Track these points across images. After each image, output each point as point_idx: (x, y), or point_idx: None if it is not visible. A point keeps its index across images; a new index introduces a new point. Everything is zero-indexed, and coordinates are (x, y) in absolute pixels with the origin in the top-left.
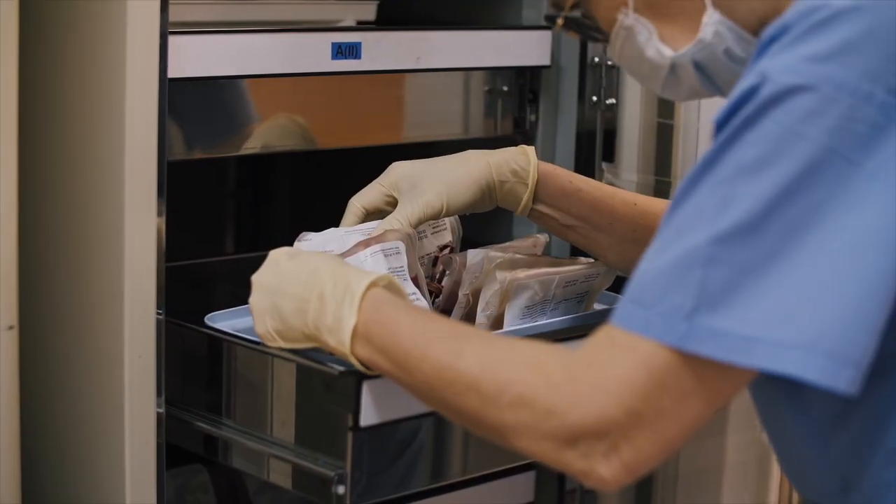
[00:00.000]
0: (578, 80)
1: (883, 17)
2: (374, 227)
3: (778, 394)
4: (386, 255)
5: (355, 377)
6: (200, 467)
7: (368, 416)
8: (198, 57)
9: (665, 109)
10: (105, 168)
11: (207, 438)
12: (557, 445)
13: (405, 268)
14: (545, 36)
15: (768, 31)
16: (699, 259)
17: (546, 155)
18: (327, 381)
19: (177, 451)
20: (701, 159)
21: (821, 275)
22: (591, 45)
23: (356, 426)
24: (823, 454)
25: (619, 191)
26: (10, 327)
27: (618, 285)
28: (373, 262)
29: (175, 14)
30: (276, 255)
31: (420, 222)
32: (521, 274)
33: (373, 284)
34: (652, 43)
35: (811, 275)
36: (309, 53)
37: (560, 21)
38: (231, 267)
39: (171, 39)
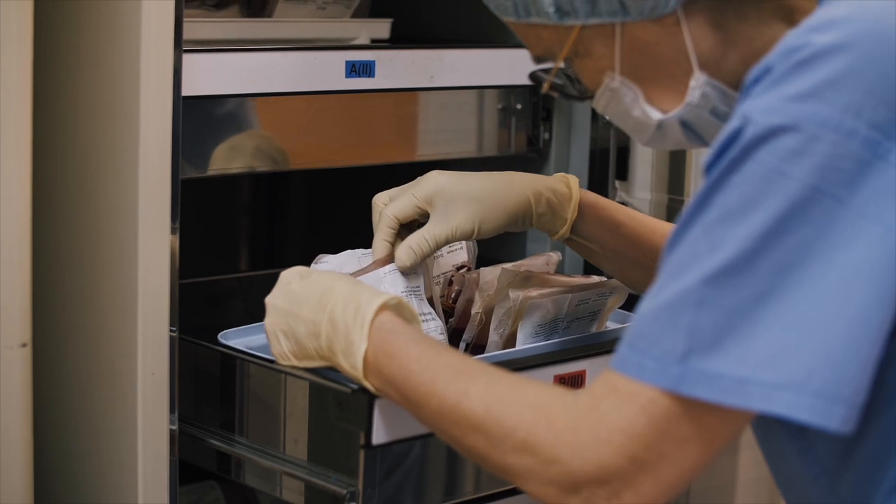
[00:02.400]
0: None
1: (864, 53)
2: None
3: (782, 433)
4: (404, 274)
5: (368, 395)
6: (213, 484)
7: (381, 434)
8: (212, 75)
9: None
10: (119, 185)
11: (220, 456)
12: (561, 491)
13: (422, 287)
14: None
15: (751, 73)
16: (690, 302)
17: (560, 172)
18: (340, 399)
19: (190, 468)
20: (691, 202)
21: (810, 314)
22: None
23: (368, 444)
24: (830, 492)
25: (661, 225)
26: (24, 345)
27: (631, 304)
28: (390, 281)
29: (189, 32)
30: (288, 277)
31: (447, 243)
32: (534, 292)
33: (382, 308)
34: (638, 104)
35: (800, 314)
36: (323, 72)
37: (546, 85)
38: (245, 284)
39: (186, 57)
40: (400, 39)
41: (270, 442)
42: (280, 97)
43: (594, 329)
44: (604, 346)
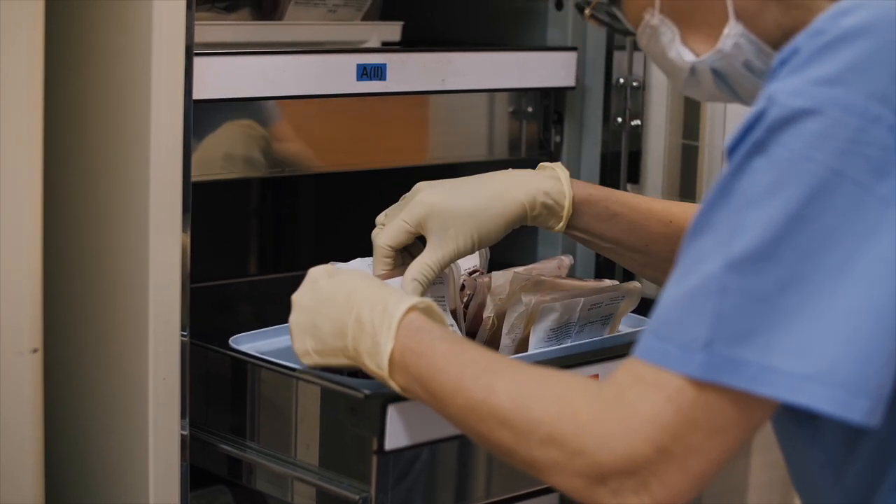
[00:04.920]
0: (603, 101)
1: (890, 37)
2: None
3: (791, 421)
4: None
5: (380, 400)
6: (224, 489)
7: (393, 439)
8: (223, 78)
9: (690, 131)
10: (130, 189)
11: (231, 461)
12: (588, 483)
13: (446, 298)
14: (570, 57)
15: (780, 55)
16: (713, 288)
17: (571, 176)
18: (352, 405)
19: (201, 473)
20: (714, 186)
21: (834, 303)
22: (615, 67)
23: (381, 449)
24: (836, 481)
25: (656, 208)
26: (35, 350)
27: (643, 307)
28: (413, 290)
29: (200, 35)
30: (315, 274)
31: (451, 264)
32: (547, 297)
33: (411, 309)
34: (674, 45)
35: (825, 303)
36: (334, 75)
37: (588, 12)
38: (255, 288)
39: (197, 60)
40: (411, 42)
41: (282, 447)
42: (291, 100)
43: (607, 333)
44: (616, 350)
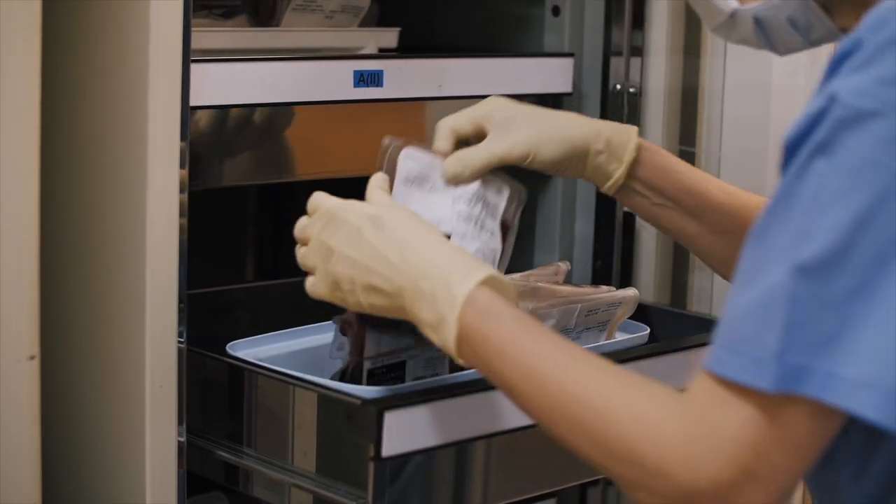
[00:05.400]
0: (600, 107)
1: None
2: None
3: None
4: (486, 188)
5: (377, 407)
6: (221, 495)
7: (390, 446)
8: (220, 85)
9: (687, 137)
10: (127, 195)
11: (228, 467)
12: (668, 503)
13: (499, 208)
14: (567, 63)
15: (841, 45)
16: (782, 297)
17: (567, 183)
18: (349, 411)
19: (198, 480)
20: (777, 189)
21: None
22: (612, 73)
23: (378, 456)
24: (857, 475)
25: (715, 179)
26: (32, 357)
27: (640, 313)
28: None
29: (197, 42)
30: (356, 222)
31: (500, 164)
32: (543, 303)
33: (476, 286)
34: None
35: (891, 312)
36: (331, 81)
37: None
38: (252, 295)
39: (194, 67)
40: (408, 48)
41: (279, 454)
42: (288, 107)
43: (603, 339)
44: (613, 356)
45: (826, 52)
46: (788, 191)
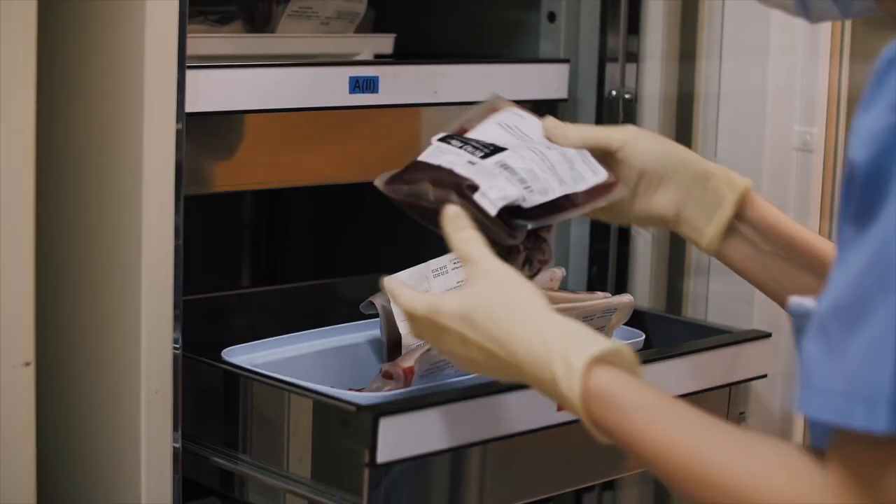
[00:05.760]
0: (596, 113)
1: None
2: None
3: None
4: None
5: (372, 413)
6: (216, 501)
7: (385, 452)
8: (215, 91)
9: (682, 143)
10: (122, 201)
11: (224, 473)
12: None
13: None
14: (562, 69)
15: (891, 52)
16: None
17: None
18: (344, 417)
19: (193, 486)
20: (854, 212)
21: None
22: (607, 79)
23: (373, 462)
24: None
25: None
26: (27, 364)
27: (635, 320)
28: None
29: (193, 48)
30: (454, 325)
31: (596, 143)
32: None
33: (595, 363)
34: None
35: None
36: (326, 88)
37: None
38: (248, 301)
39: (189, 73)
40: (403, 55)
41: (274, 460)
42: (283, 113)
43: None
44: None
45: (823, 53)
46: (876, 214)
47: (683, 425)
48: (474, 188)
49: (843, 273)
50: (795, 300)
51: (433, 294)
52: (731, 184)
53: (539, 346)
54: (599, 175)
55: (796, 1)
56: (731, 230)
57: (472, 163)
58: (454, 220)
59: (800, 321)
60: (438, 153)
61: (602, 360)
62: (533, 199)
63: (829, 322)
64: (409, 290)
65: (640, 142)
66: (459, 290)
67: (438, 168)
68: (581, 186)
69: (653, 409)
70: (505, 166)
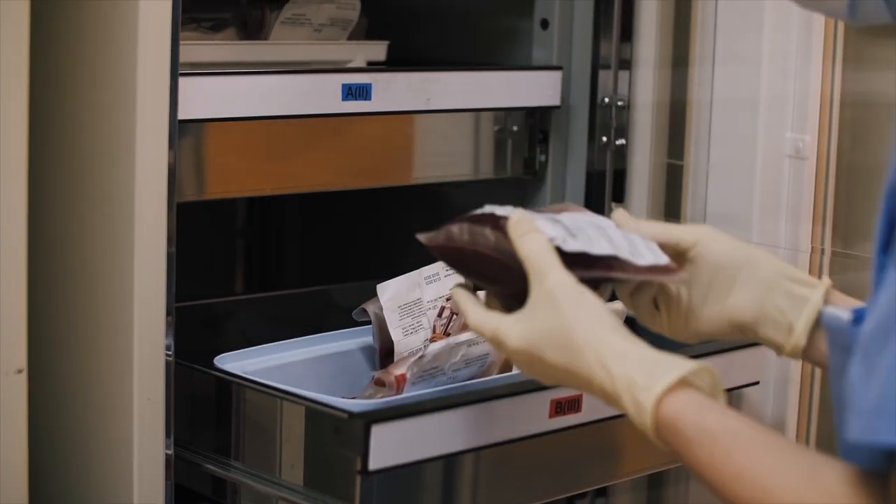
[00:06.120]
0: (588, 120)
1: None
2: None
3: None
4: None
5: (364, 420)
6: None
7: (377, 459)
8: (208, 98)
9: (675, 150)
10: (115, 208)
11: (216, 480)
12: None
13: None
14: (555, 76)
15: None
16: None
17: (556, 195)
18: (336, 424)
19: (185, 493)
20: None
21: None
22: (600, 86)
23: (365, 470)
24: None
25: None
26: (19, 371)
27: (627, 326)
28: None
29: (186, 55)
30: (520, 357)
31: (668, 238)
32: None
33: (663, 395)
34: None
35: None
36: (319, 95)
37: None
38: (241, 307)
39: (182, 80)
40: (396, 62)
41: (266, 467)
42: (276, 120)
43: None
44: None
45: (816, 60)
46: None
47: (752, 458)
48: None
49: (885, 296)
50: (831, 311)
51: (498, 319)
52: (810, 281)
53: (605, 379)
54: (660, 258)
55: (850, 5)
56: (815, 327)
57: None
58: (518, 225)
59: (835, 335)
60: None
61: (671, 390)
62: (575, 245)
63: (869, 345)
64: (476, 308)
65: (715, 241)
66: (522, 317)
67: (480, 214)
68: (637, 260)
69: (719, 438)
70: (553, 220)
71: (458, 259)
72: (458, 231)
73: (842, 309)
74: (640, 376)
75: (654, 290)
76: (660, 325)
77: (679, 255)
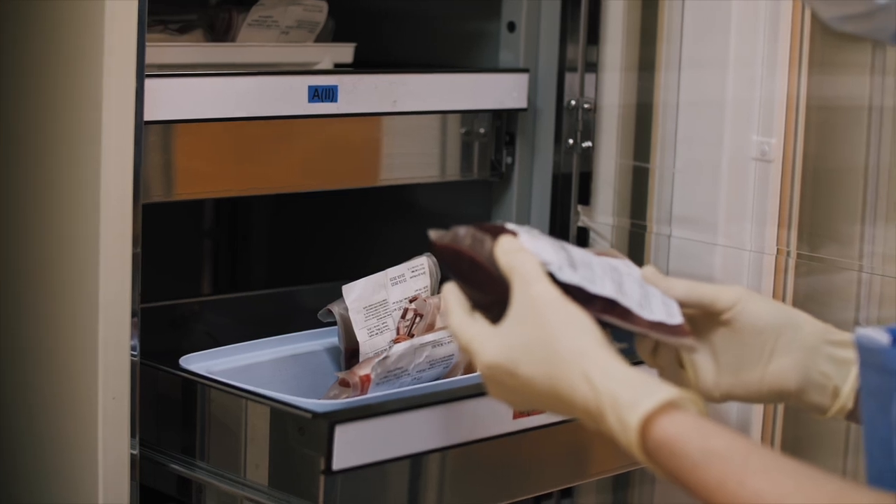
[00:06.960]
0: (555, 122)
1: None
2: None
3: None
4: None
5: (328, 420)
6: None
7: (341, 459)
8: (174, 99)
9: (641, 153)
10: (81, 209)
11: (181, 480)
12: None
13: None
14: (522, 79)
15: None
16: None
17: (522, 197)
18: (300, 424)
19: (150, 493)
20: None
21: None
22: (567, 88)
23: (329, 469)
24: None
25: None
26: None
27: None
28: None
29: (152, 56)
30: (491, 375)
31: (699, 300)
32: None
33: (648, 417)
34: None
35: None
36: (286, 96)
37: None
38: (207, 308)
39: (148, 82)
40: (363, 64)
41: (231, 467)
42: (243, 122)
43: None
44: None
45: (782, 64)
46: None
47: (771, 481)
48: (514, 234)
49: None
50: (865, 333)
51: (477, 327)
52: (850, 341)
53: (588, 393)
54: (673, 318)
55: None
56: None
57: (530, 234)
58: (508, 241)
59: (867, 354)
60: None
61: (663, 411)
62: (570, 277)
63: None
64: (460, 311)
65: (753, 303)
66: (501, 330)
67: (491, 224)
68: (643, 312)
69: (729, 461)
70: (560, 247)
71: (457, 263)
72: (463, 234)
73: (875, 329)
74: (625, 393)
75: (675, 349)
76: (685, 383)
77: (710, 317)
